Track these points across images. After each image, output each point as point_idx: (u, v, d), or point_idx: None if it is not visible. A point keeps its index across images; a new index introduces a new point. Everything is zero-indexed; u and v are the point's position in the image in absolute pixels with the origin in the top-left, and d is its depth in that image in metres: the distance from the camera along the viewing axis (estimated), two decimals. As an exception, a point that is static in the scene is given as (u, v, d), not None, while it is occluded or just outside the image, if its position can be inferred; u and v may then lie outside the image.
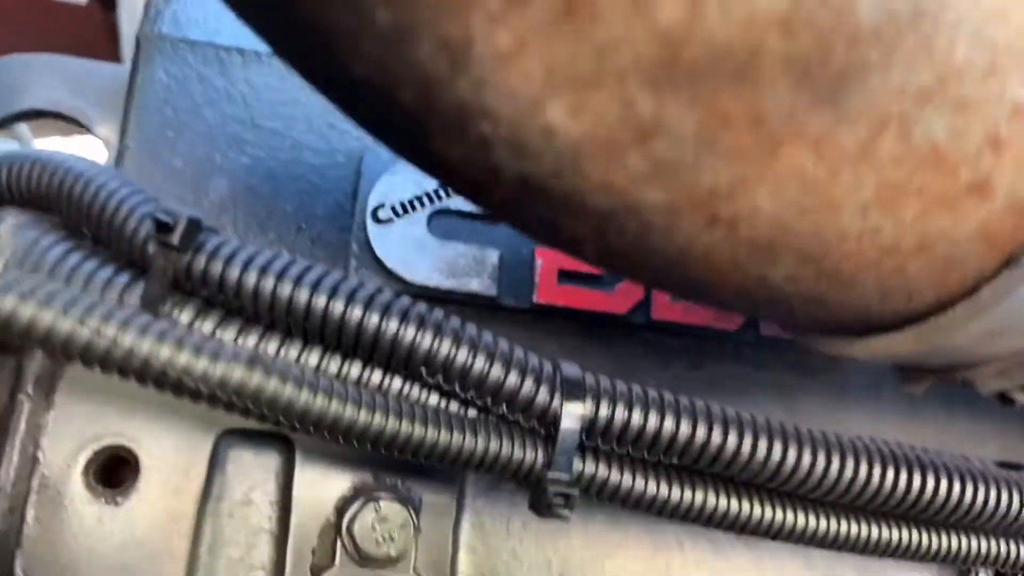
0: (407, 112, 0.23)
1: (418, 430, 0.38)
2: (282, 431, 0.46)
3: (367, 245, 0.49)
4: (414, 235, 0.50)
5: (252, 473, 0.45)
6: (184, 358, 0.33)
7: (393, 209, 0.50)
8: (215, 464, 0.45)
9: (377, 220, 0.49)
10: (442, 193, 0.50)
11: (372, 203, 0.49)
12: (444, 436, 0.39)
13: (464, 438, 0.39)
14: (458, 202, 0.51)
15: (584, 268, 0.52)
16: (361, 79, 0.23)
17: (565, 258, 0.52)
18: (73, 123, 0.66)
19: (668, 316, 0.53)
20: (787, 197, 0.24)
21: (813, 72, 0.21)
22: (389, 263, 0.49)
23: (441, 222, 0.50)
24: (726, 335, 0.54)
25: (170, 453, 0.44)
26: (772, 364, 0.56)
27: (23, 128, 1.09)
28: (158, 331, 0.33)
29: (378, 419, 0.37)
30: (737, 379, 0.51)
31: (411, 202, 0.50)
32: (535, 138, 0.22)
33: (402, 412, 0.38)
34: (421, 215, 0.50)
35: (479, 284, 0.50)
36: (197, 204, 0.48)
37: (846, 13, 0.20)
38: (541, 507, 0.41)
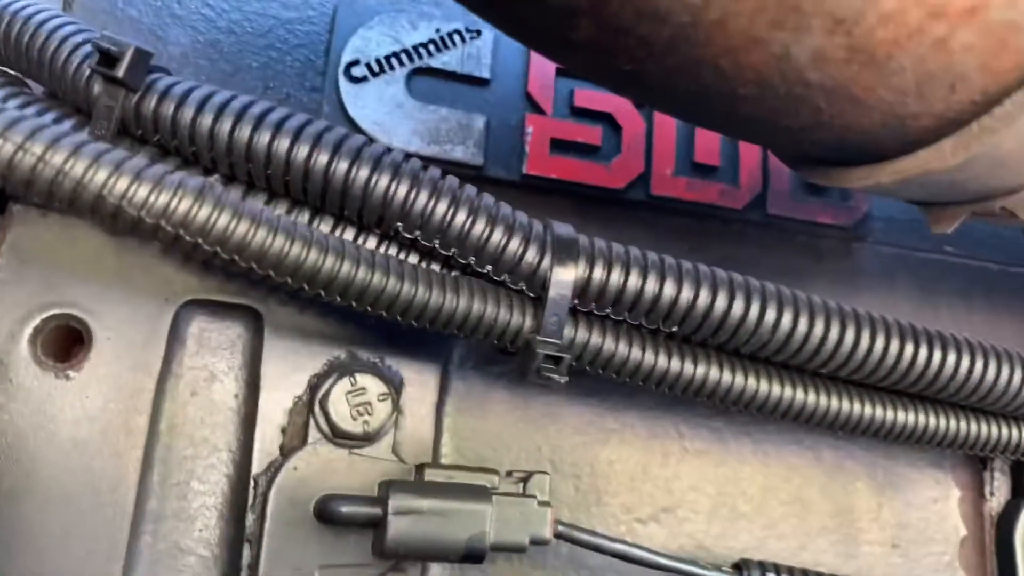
0: None
1: (392, 283, 0.34)
2: (250, 303, 0.42)
3: (340, 106, 0.45)
4: (392, 95, 0.45)
5: (217, 347, 0.42)
6: (123, 184, 0.29)
7: (368, 67, 0.45)
8: (176, 337, 0.41)
9: (351, 78, 0.45)
10: (423, 50, 0.46)
11: (346, 59, 0.45)
12: (423, 293, 0.35)
13: (445, 296, 0.36)
14: (442, 60, 0.46)
15: (579, 138, 0.48)
16: None
17: (558, 125, 0.48)
18: None
19: (669, 192, 0.49)
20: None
21: None
22: (364, 126, 0.45)
23: (422, 82, 0.46)
24: (731, 214, 0.50)
25: (126, 324, 0.40)
26: (780, 247, 0.52)
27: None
28: (94, 151, 0.29)
29: (346, 267, 0.33)
30: (743, 262, 0.47)
31: (389, 59, 0.45)
32: None
33: (375, 263, 0.34)
34: (400, 74, 0.46)
35: (464, 152, 0.46)
36: (155, 58, 0.44)
37: None
38: (529, 371, 0.37)
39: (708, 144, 0.50)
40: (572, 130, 0.48)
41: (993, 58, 0.23)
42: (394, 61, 0.45)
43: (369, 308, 0.35)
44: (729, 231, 0.51)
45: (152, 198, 0.30)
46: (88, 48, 0.37)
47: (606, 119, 0.49)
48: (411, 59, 0.46)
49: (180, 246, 0.31)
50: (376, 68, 0.45)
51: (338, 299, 0.34)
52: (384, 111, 0.45)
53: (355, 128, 0.45)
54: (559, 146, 0.48)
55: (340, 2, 0.46)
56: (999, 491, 0.52)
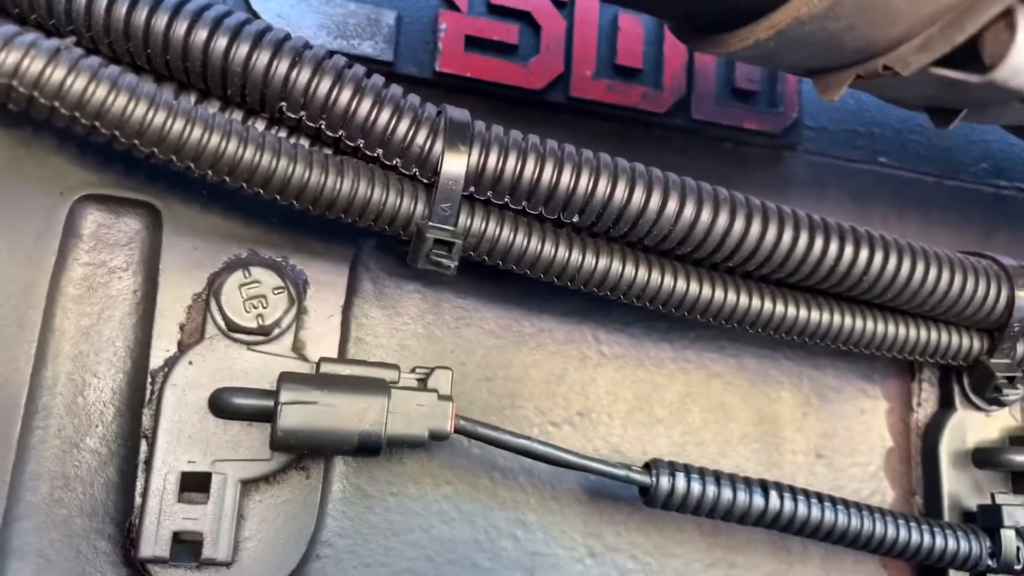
0: None
1: (270, 161, 0.33)
2: (149, 199, 0.41)
3: (244, -1, 0.43)
4: (297, -12, 0.44)
5: (115, 243, 0.41)
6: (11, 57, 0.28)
7: (273, -43, 0.44)
8: (71, 231, 0.40)
9: (255, -29, 0.44)
10: (330, -59, 0.44)
11: (248, -52, 0.44)
12: (305, 172, 0.34)
13: (330, 178, 0.35)
14: (349, -49, 0.45)
15: (495, 36, 0.47)
16: None
17: (473, 22, 0.46)
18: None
19: (589, 94, 0.48)
20: None
21: None
22: (267, 18, 0.43)
23: (329, -25, 0.45)
24: (654, 119, 0.49)
25: (18, 218, 0.39)
26: (705, 154, 0.51)
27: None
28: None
29: (230, 146, 0.32)
30: (666, 168, 0.46)
31: (293, -51, 0.44)
32: None
33: (251, 138, 0.33)
34: (305, -36, 0.44)
35: (372, 47, 0.45)
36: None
37: None
38: (420, 257, 0.36)
39: (631, 45, 0.49)
40: (488, 27, 0.47)
41: None
42: (299, -48, 0.44)
43: (252, 189, 0.34)
44: (651, 136, 0.50)
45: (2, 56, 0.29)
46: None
47: (524, 17, 0.48)
48: (317, -50, 0.44)
49: (36, 110, 0.30)
50: (280, -41, 0.44)
51: (219, 179, 0.33)
52: (289, 3, 0.44)
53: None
54: (474, 44, 0.46)
55: None
56: (926, 402, 0.52)
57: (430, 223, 0.36)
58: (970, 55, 0.26)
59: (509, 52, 0.47)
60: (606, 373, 0.47)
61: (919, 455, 0.51)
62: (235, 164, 0.33)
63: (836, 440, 0.50)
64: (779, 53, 0.30)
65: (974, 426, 0.50)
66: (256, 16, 0.43)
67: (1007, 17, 0.24)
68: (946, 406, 0.51)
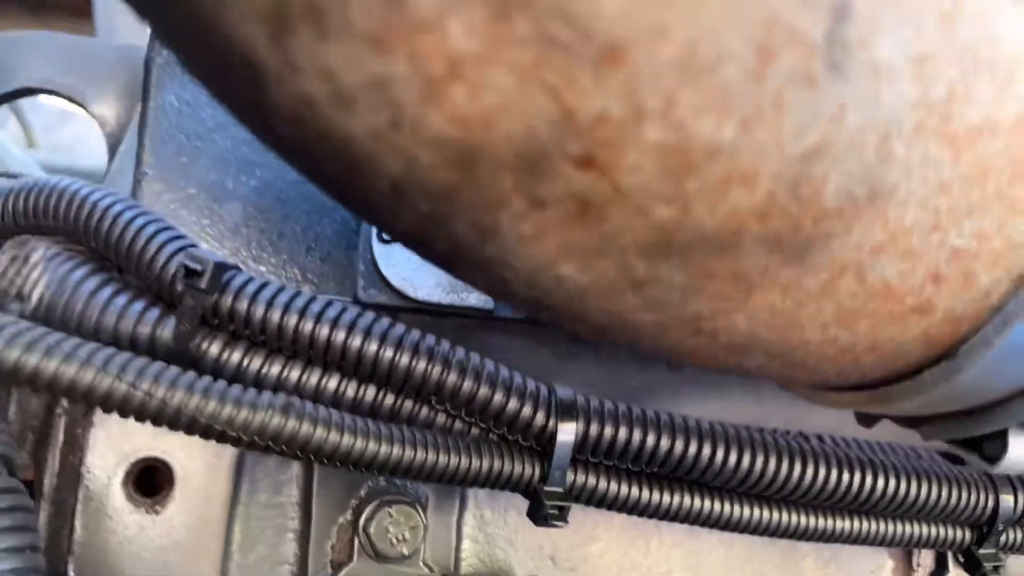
0: (440, 257, 0.27)
1: (430, 457, 0.43)
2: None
3: (373, 264, 0.53)
4: (415, 255, 0.53)
5: (276, 479, 0.50)
6: (227, 410, 0.37)
7: (397, 231, 0.53)
8: (241, 472, 0.49)
9: (382, 240, 0.53)
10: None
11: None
12: (452, 460, 0.44)
13: (470, 460, 0.44)
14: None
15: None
16: (399, 232, 0.27)
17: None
18: (67, 100, 0.68)
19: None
20: (760, 320, 0.28)
21: (784, 242, 0.25)
22: (394, 281, 0.53)
23: (442, 242, 0.54)
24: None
25: (200, 463, 0.49)
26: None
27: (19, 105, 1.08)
28: (202, 387, 0.37)
29: (396, 451, 0.42)
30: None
31: (414, 224, 0.53)
32: (547, 282, 0.26)
33: (416, 442, 0.43)
34: (423, 236, 0.53)
35: (477, 299, 0.54)
36: (212, 228, 0.51)
37: (812, 201, 0.24)
38: (538, 518, 0.46)
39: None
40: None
41: (890, 366, 0.32)
42: (418, 226, 0.53)
43: (411, 478, 0.43)
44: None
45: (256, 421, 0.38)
46: (171, 247, 0.44)
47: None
48: (432, 222, 0.53)
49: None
50: (403, 233, 0.53)
51: (387, 474, 0.43)
52: (410, 268, 0.53)
53: (386, 283, 0.52)
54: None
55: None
56: (924, 563, 0.62)
57: (545, 488, 0.46)
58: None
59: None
60: (664, 553, 0.57)
61: (918, 609, 0.61)
62: (410, 465, 0.42)
63: (851, 596, 0.61)
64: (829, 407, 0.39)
65: (964, 584, 0.61)
66: (385, 279, 0.52)
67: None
68: (940, 567, 0.61)
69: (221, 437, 0.38)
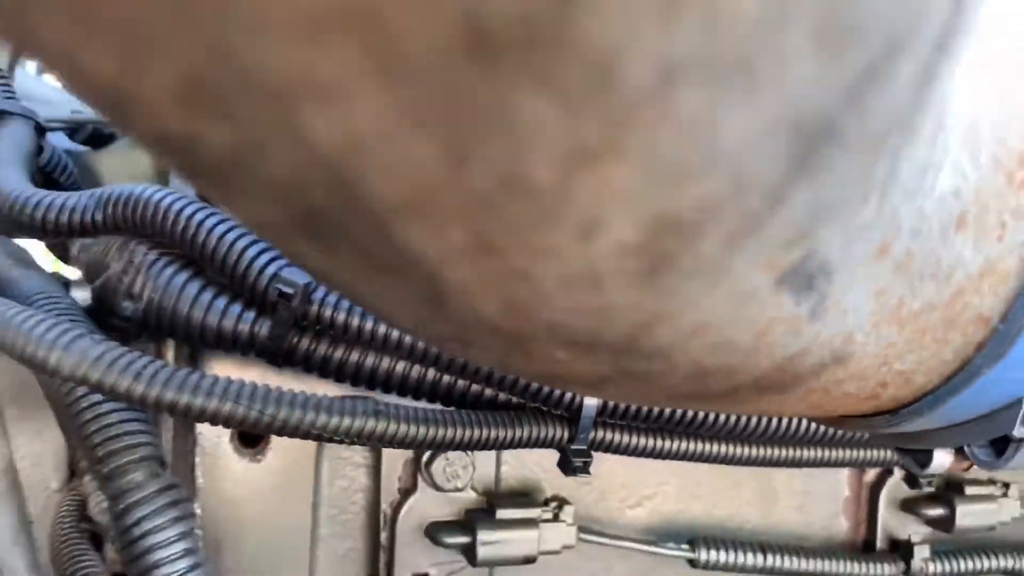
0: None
1: (483, 433, 0.54)
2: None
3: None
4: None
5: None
6: (333, 421, 0.47)
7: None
8: (323, 425, 0.60)
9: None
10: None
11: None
12: (499, 433, 0.55)
13: (513, 431, 0.55)
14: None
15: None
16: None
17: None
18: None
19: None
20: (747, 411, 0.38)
21: (771, 388, 0.34)
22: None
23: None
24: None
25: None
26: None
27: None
28: (313, 404, 0.47)
29: (454, 432, 0.52)
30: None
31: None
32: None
33: (470, 423, 0.53)
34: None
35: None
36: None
37: (796, 373, 0.33)
38: (567, 470, 0.58)
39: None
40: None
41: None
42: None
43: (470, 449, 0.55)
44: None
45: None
46: (262, 261, 0.52)
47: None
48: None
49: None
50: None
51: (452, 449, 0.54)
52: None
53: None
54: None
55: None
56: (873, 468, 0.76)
57: (572, 446, 0.57)
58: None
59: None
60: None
61: (866, 503, 0.76)
62: (465, 442, 0.53)
63: (812, 495, 0.75)
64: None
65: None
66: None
67: (929, 452, 0.45)
68: (886, 472, 0.75)
69: (319, 438, 0.49)
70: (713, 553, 0.66)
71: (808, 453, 0.65)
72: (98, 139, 0.84)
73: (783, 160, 0.17)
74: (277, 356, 0.54)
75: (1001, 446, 0.42)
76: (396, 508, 0.61)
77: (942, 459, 0.45)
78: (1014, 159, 0.33)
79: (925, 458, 0.46)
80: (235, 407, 0.45)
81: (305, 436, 0.49)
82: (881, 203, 0.27)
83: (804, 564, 0.68)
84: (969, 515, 0.72)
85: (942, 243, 0.32)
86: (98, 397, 0.48)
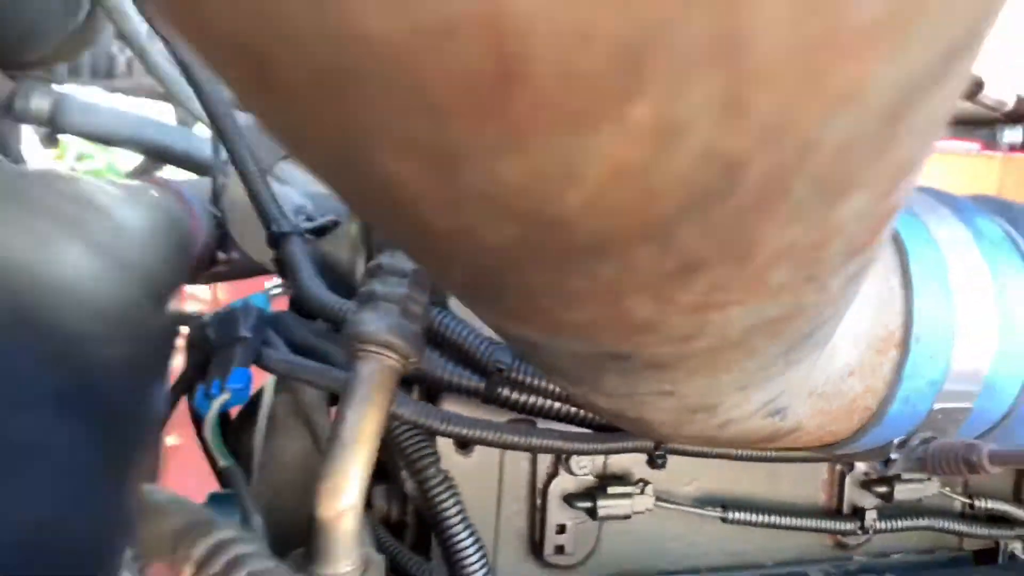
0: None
1: (602, 445, 0.94)
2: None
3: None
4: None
5: (519, 438, 1.02)
6: (507, 437, 0.88)
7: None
8: (504, 435, 1.01)
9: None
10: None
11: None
12: (614, 444, 0.95)
13: (621, 443, 0.96)
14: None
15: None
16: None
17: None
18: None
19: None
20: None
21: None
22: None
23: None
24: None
25: (485, 432, 1.00)
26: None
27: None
28: (501, 427, 0.88)
29: (587, 445, 0.93)
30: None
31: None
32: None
33: (595, 439, 0.94)
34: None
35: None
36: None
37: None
38: (652, 464, 0.98)
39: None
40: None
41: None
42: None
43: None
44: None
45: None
46: (482, 345, 0.92)
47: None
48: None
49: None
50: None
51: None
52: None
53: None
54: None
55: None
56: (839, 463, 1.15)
57: (656, 452, 0.97)
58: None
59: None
60: (707, 463, 1.10)
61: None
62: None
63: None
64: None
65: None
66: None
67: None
68: (852, 461, 1.14)
69: (504, 446, 0.89)
70: (738, 514, 1.06)
71: (799, 455, 1.04)
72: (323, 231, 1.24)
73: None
74: (488, 399, 0.94)
75: (886, 461, 0.81)
76: (546, 485, 1.02)
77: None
78: (880, 342, 0.72)
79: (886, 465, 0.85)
80: (459, 429, 0.86)
81: (495, 445, 0.89)
82: (811, 373, 0.67)
83: (795, 521, 1.09)
84: (903, 492, 1.12)
85: (841, 382, 0.72)
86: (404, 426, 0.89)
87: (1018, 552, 1.22)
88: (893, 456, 0.79)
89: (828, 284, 0.25)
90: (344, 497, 0.51)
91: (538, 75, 0.12)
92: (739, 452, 1.02)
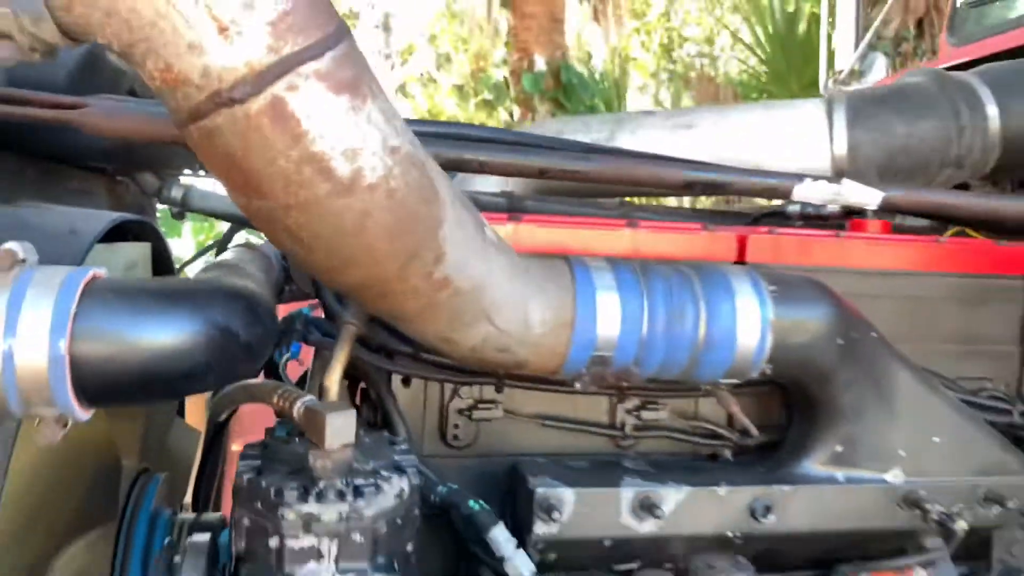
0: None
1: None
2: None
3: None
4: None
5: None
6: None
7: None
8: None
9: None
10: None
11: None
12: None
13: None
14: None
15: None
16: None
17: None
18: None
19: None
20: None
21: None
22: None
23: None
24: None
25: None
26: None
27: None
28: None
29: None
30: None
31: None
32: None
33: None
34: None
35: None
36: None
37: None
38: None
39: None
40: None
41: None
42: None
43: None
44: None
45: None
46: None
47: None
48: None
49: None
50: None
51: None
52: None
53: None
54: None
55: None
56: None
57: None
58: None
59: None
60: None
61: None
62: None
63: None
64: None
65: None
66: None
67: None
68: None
69: (424, 378, 1.88)
70: (555, 423, 2.03)
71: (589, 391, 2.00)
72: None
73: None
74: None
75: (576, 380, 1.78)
76: (448, 403, 2.00)
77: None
78: (561, 324, 1.71)
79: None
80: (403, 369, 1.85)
81: (416, 376, 1.88)
82: (525, 334, 1.67)
83: (589, 428, 2.05)
84: (647, 415, 2.07)
85: (543, 339, 1.71)
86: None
87: (728, 456, 2.15)
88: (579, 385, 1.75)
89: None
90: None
91: None
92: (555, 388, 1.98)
